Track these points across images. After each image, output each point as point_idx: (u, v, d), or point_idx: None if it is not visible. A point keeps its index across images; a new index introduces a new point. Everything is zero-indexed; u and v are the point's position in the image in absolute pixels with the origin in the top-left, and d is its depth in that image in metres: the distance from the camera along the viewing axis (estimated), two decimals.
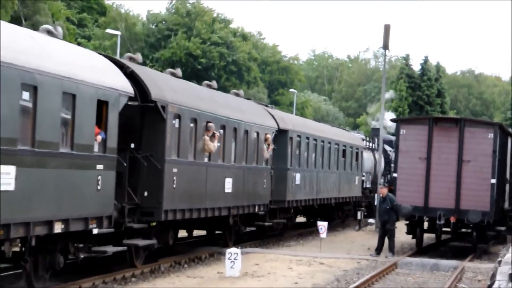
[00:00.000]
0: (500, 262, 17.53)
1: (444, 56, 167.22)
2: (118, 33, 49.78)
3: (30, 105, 12.53)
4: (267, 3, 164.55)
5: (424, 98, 78.12)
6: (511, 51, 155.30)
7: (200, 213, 19.39)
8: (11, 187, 12.01)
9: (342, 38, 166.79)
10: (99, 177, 14.61)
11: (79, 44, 50.95)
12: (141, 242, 16.93)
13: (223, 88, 53.76)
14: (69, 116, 13.67)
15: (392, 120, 29.42)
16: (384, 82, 36.52)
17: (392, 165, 31.27)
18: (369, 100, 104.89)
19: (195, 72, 69.46)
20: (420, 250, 25.49)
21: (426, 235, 26.68)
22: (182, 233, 22.46)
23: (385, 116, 36.29)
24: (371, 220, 34.24)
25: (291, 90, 77.75)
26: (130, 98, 15.79)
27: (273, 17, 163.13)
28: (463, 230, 25.86)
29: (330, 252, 23.94)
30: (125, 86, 15.62)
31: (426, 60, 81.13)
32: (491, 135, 24.32)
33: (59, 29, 14.84)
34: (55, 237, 13.77)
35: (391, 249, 23.67)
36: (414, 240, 26.19)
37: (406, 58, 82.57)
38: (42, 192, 12.91)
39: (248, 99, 26.25)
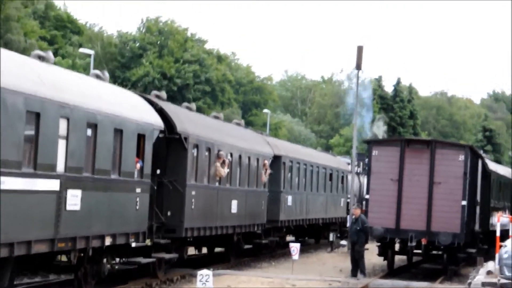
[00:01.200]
0: (470, 284, 17.65)
1: (417, 78, 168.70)
2: (91, 52, 49.60)
3: (91, 139, 15.33)
4: (241, 24, 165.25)
5: (397, 119, 78.76)
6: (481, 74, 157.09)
7: (212, 231, 22.17)
8: (77, 207, 14.73)
9: (316, 59, 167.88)
10: (138, 199, 17.27)
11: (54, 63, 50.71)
12: (167, 256, 19.46)
13: (198, 109, 53.71)
14: (117, 148, 16.36)
15: (364, 141, 29.60)
16: (356, 102, 36.74)
17: None
18: (342, 124, 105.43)
19: (170, 93, 69.39)
20: (392, 272, 25.54)
21: (397, 257, 26.76)
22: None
23: (379, 128, 36.77)
24: (343, 242, 34.32)
25: (264, 110, 77.94)
26: (160, 131, 18.56)
27: (247, 37, 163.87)
28: (434, 252, 25.97)
29: (302, 274, 23.89)
30: (158, 121, 18.48)
31: (398, 82, 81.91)
32: (462, 157, 24.50)
33: (106, 73, 17.73)
34: (99, 250, 16.10)
35: (362, 271, 23.69)
36: (385, 262, 26.25)
37: (379, 80, 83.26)
38: (98, 212, 15.55)
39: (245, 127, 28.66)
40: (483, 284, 16.45)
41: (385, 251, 25.58)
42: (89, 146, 15.25)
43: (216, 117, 25.33)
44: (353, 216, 24.40)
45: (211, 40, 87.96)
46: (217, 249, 26.56)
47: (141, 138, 17.43)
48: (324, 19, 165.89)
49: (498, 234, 22.19)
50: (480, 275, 18.90)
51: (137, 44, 73.24)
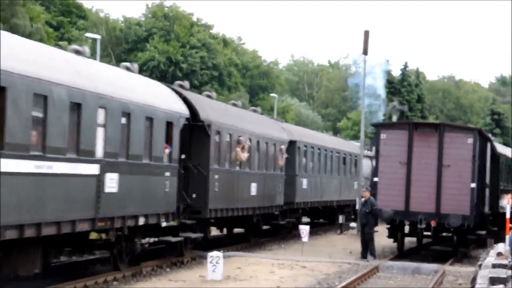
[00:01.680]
0: (480, 265, 17.66)
1: (425, 63, 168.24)
2: (98, 37, 49.57)
3: (125, 127, 16.73)
4: (247, 8, 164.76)
5: (404, 103, 78.49)
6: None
7: (234, 212, 23.49)
8: (115, 189, 16.17)
9: (323, 44, 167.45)
10: (167, 182, 18.75)
11: (59, 46, 50.74)
12: (193, 235, 20.85)
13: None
14: (148, 135, 17.75)
15: (373, 125, 29.61)
16: (363, 87, 36.69)
17: None
18: (349, 107, 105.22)
19: (176, 79, 69.37)
20: (402, 254, 25.61)
21: (407, 239, 26.82)
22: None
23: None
24: (352, 224, 34.42)
25: (272, 94, 77.89)
26: (186, 119, 19.86)
27: (253, 22, 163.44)
28: (444, 234, 26.01)
29: (312, 256, 23.99)
30: (184, 109, 19.91)
31: (406, 66, 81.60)
32: (470, 140, 24.49)
33: (135, 65, 19.30)
34: (133, 229, 17.51)
35: (372, 252, 23.77)
36: (395, 244, 26.32)
37: (386, 64, 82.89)
38: (132, 194, 17.00)
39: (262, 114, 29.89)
40: (494, 265, 16.43)
41: (395, 233, 25.65)
42: (124, 133, 16.71)
43: (235, 105, 26.37)
44: (363, 199, 24.48)
45: (217, 25, 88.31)
46: (237, 230, 27.64)
47: (169, 125, 18.89)
48: (331, 3, 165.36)
49: (508, 216, 22.20)
50: (490, 257, 18.90)
51: (141, 29, 73.07)
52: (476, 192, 24.67)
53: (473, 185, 24.32)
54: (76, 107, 14.80)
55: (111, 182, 16.06)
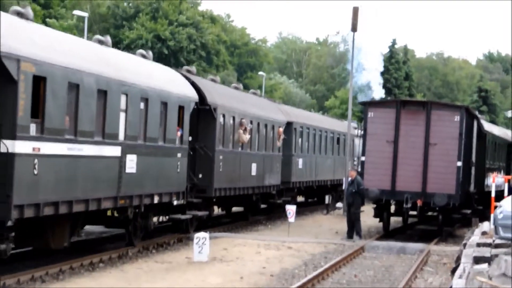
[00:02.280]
0: (465, 245, 17.75)
1: (413, 40, 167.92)
2: (86, 14, 49.21)
3: (143, 112, 17.98)
4: None
5: (392, 81, 78.51)
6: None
7: (236, 191, 24.55)
8: (134, 170, 17.43)
9: (311, 21, 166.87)
10: (178, 163, 19.98)
11: (47, 24, 50.22)
12: (199, 213, 21.97)
13: None
14: (163, 118, 18.94)
15: (360, 103, 29.58)
16: (352, 64, 36.58)
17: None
18: (339, 82, 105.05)
19: (162, 56, 68.90)
20: (387, 234, 25.68)
21: (393, 219, 26.89)
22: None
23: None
24: (338, 204, 34.49)
25: (260, 73, 77.67)
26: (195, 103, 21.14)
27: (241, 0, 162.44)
28: (430, 213, 26.09)
29: (298, 236, 24.03)
30: (193, 94, 21.15)
31: (394, 43, 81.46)
32: (457, 118, 24.49)
33: (150, 53, 20.51)
34: (147, 207, 18.74)
35: (358, 232, 23.83)
36: (381, 224, 26.38)
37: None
38: (148, 174, 18.26)
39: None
40: (478, 244, 16.52)
41: (381, 212, 25.69)
42: (142, 117, 17.99)
43: (236, 88, 27.36)
44: (349, 178, 24.47)
45: (204, 1, 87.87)
46: (235, 209, 29.07)
47: (181, 109, 20.08)
48: None
49: (493, 194, 22.32)
50: (475, 236, 19.01)
51: (128, 6, 72.34)
52: (462, 171, 24.70)
53: (459, 163, 24.35)
54: (103, 94, 16.07)
55: (131, 163, 17.41)
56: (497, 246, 16.08)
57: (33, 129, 13.78)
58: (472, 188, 28.10)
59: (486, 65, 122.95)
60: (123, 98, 16.92)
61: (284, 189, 30.08)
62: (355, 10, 34.02)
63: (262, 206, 28.90)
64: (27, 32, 14.12)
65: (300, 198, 37.04)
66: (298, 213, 27.91)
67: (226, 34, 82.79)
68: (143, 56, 19.90)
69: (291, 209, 24.35)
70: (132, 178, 17.38)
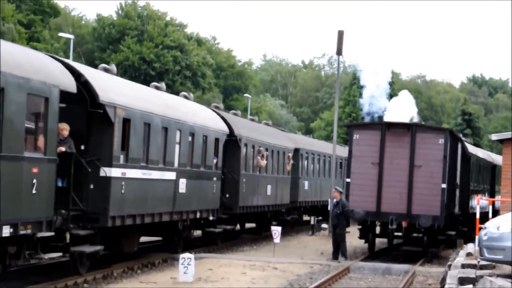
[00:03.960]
0: (450, 266, 17.82)
1: (396, 63, 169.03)
2: (71, 36, 49.30)
3: (191, 144, 21.84)
4: (220, 7, 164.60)
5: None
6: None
7: (255, 209, 28.35)
8: (184, 190, 21.24)
9: (295, 44, 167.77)
10: (214, 185, 23.91)
11: (33, 47, 50.20)
12: (227, 227, 26.13)
13: (177, 93, 53.39)
14: (204, 149, 22.82)
15: (345, 126, 29.74)
16: (337, 87, 36.82)
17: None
18: (322, 106, 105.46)
19: (148, 77, 69.01)
20: (373, 255, 25.73)
21: (378, 240, 26.95)
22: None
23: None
24: (324, 225, 34.54)
25: (245, 95, 77.89)
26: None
27: (227, 21, 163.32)
28: (415, 234, 26.16)
29: (283, 257, 24.01)
30: (225, 128, 25.06)
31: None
32: (441, 141, 24.65)
33: (191, 95, 24.82)
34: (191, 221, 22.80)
35: (343, 253, 23.85)
36: (366, 245, 26.43)
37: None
38: (194, 194, 21.93)
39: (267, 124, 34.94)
40: (463, 265, 16.60)
41: (366, 234, 25.75)
42: (190, 148, 21.78)
43: (252, 119, 32.14)
44: (334, 200, 24.54)
45: (191, 24, 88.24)
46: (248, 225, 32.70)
47: (216, 141, 24.02)
48: (304, 3, 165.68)
49: (477, 216, 22.40)
50: (460, 257, 19.09)
51: (114, 29, 72.32)
52: (447, 193, 24.84)
53: (444, 185, 24.49)
54: (165, 130, 19.92)
55: (182, 185, 21.18)
56: (482, 267, 16.17)
57: (122, 158, 17.65)
58: (456, 209, 28.25)
59: (471, 88, 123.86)
60: (178, 133, 20.83)
61: (292, 208, 33.94)
62: (340, 34, 34.28)
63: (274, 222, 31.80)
64: (117, 85, 18.41)
65: (306, 217, 39.65)
66: (284, 233, 27.93)
67: (212, 56, 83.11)
68: (185, 97, 23.98)
69: (276, 229, 24.37)
70: (182, 197, 21.18)
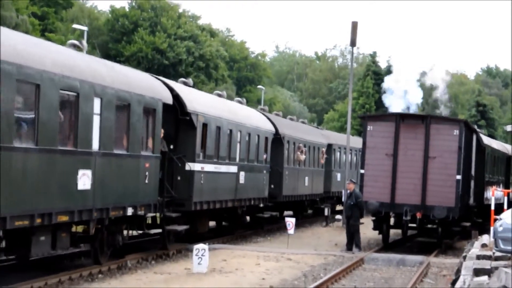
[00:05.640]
0: (465, 257, 17.76)
1: (411, 54, 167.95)
2: (85, 28, 49.29)
3: (248, 142, 25.87)
4: (232, 0, 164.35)
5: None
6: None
7: (296, 198, 32.27)
8: (243, 181, 25.16)
9: (310, 36, 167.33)
10: (264, 177, 27.76)
11: (47, 38, 50.33)
12: (273, 213, 30.17)
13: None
14: (257, 146, 26.69)
15: (359, 117, 29.73)
16: (351, 79, 36.68)
17: None
18: (336, 96, 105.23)
19: (162, 68, 69.01)
20: (387, 246, 25.68)
21: (392, 231, 26.89)
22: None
23: None
24: (338, 216, 34.50)
25: (259, 86, 77.80)
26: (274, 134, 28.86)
27: (241, 13, 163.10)
28: (429, 225, 26.09)
29: (297, 248, 24.02)
30: (272, 128, 28.85)
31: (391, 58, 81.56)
32: (456, 132, 24.53)
33: (244, 100, 28.98)
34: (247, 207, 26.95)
35: (357, 244, 23.82)
36: (380, 236, 26.38)
37: (373, 56, 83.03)
38: (250, 185, 25.96)
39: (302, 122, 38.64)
40: (478, 257, 16.54)
41: (380, 225, 25.69)
42: (247, 146, 25.54)
43: (292, 119, 35.53)
44: (348, 191, 24.50)
45: (204, 16, 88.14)
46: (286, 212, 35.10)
47: (266, 139, 27.84)
48: None
49: (492, 207, 22.31)
50: (474, 248, 19.02)
51: (127, 21, 72.26)
52: (462, 184, 24.73)
53: (459, 177, 24.38)
54: (230, 132, 23.79)
55: (242, 177, 25.00)
56: (497, 258, 16.10)
57: (201, 155, 21.50)
58: (471, 201, 28.13)
59: (485, 80, 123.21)
60: (238, 134, 24.67)
61: (325, 197, 37.51)
62: (354, 25, 34.09)
63: (309, 211, 36.96)
64: (197, 96, 22.67)
65: (339, 207, 40.79)
66: (297, 225, 27.93)
67: (225, 48, 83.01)
68: (240, 102, 28.11)
69: (290, 221, 24.37)
70: (242, 187, 25.04)
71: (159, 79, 20.20)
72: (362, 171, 25.06)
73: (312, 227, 33.69)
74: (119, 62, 58.44)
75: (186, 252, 21.07)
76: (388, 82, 37.45)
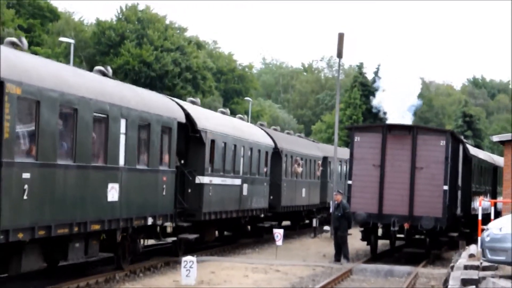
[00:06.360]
0: (452, 267, 17.80)
1: (398, 65, 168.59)
2: (72, 41, 49.24)
3: (250, 156, 27.45)
4: (220, 10, 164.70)
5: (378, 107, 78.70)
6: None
7: (293, 209, 33.63)
8: (246, 193, 26.82)
9: (296, 47, 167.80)
10: (265, 189, 29.51)
11: (34, 52, 50.21)
12: (272, 222, 31.58)
13: (178, 96, 53.41)
14: (258, 160, 28.38)
15: (346, 128, 29.79)
16: (338, 90, 36.80)
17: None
18: (322, 108, 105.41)
19: (149, 80, 68.95)
20: (375, 257, 25.71)
21: (380, 242, 26.93)
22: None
23: None
24: (326, 227, 34.53)
25: (246, 98, 77.86)
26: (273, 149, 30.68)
27: (228, 25, 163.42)
28: (417, 236, 26.15)
29: (286, 259, 24.00)
30: (272, 143, 30.61)
31: (379, 69, 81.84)
32: (443, 142, 24.64)
33: (245, 117, 31.42)
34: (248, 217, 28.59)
35: (346, 255, 23.83)
36: (368, 247, 26.41)
37: (360, 67, 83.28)
38: (252, 195, 27.57)
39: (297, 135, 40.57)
40: (466, 267, 16.59)
41: (368, 236, 25.73)
42: (249, 160, 27.30)
43: (289, 133, 37.46)
44: (335, 202, 24.52)
45: (191, 27, 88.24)
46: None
47: (266, 154, 29.57)
48: (304, 7, 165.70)
49: (480, 217, 22.38)
50: (462, 259, 19.07)
51: (113, 34, 72.15)
52: (449, 194, 24.82)
53: (446, 187, 24.48)
54: (234, 147, 25.62)
55: (245, 189, 26.62)
56: (484, 268, 16.15)
57: (209, 169, 23.13)
58: (458, 211, 28.22)
59: (472, 90, 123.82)
60: (242, 149, 26.34)
61: (321, 208, 38.68)
62: (341, 37, 34.24)
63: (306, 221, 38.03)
64: (205, 114, 24.37)
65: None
66: (286, 236, 27.92)
67: (212, 60, 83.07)
68: (241, 119, 30.00)
69: (278, 232, 24.37)
70: (245, 198, 26.66)
71: (173, 100, 21.86)
72: (349, 182, 25.11)
73: (301, 238, 33.69)
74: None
75: (174, 265, 21.02)
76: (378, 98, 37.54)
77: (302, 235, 35.18)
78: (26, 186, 13.56)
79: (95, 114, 16.21)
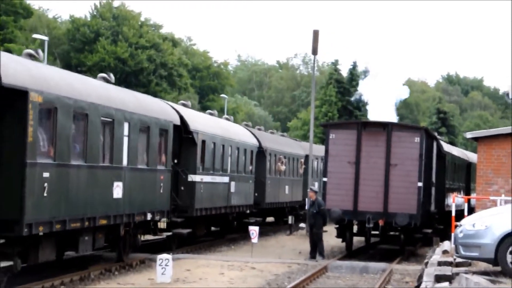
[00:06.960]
0: (426, 263, 17.95)
1: (373, 62, 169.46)
2: (46, 38, 48.86)
3: (238, 155, 28.96)
4: (195, 8, 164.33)
5: (353, 103, 79.10)
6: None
7: (277, 205, 35.21)
8: (233, 190, 28.10)
9: (271, 44, 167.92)
10: (250, 186, 30.86)
11: (7, 49, 49.73)
12: (257, 219, 32.85)
13: (153, 93, 53.14)
14: (244, 158, 29.75)
15: (321, 125, 29.89)
16: (313, 87, 36.90)
17: None
18: (299, 104, 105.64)
19: (124, 77, 68.59)
20: (350, 253, 25.82)
21: (355, 238, 27.05)
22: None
23: None
24: (301, 225, 34.63)
25: (222, 95, 77.73)
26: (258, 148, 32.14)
27: (203, 22, 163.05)
28: (392, 233, 26.30)
29: (261, 256, 24.04)
30: (256, 142, 32.01)
31: (354, 66, 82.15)
32: (417, 139, 24.79)
33: (232, 118, 32.20)
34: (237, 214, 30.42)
35: (321, 252, 23.92)
36: (344, 244, 26.52)
37: (335, 64, 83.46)
38: (240, 192, 29.17)
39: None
40: (439, 263, 16.73)
41: (343, 233, 25.84)
42: (236, 159, 28.74)
43: (272, 133, 39.14)
44: (310, 199, 24.59)
45: (166, 25, 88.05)
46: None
47: (251, 152, 31.03)
48: (279, 4, 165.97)
49: (453, 214, 22.56)
50: (436, 255, 19.23)
51: (88, 31, 71.65)
52: (423, 191, 24.98)
53: (420, 184, 24.63)
54: (222, 147, 27.03)
55: (232, 186, 27.89)
56: (458, 264, 16.30)
57: (201, 168, 24.59)
58: (432, 208, 28.43)
59: (446, 87, 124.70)
60: (229, 148, 27.78)
61: (304, 205, 37.82)
62: (315, 34, 34.32)
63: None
64: (196, 116, 25.93)
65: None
66: (261, 233, 27.96)
67: (187, 57, 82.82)
68: (227, 119, 31.01)
69: (254, 229, 24.39)
70: (232, 195, 28.01)
71: (167, 104, 23.63)
72: (324, 179, 25.18)
73: (276, 236, 33.76)
74: (81, 72, 57.99)
75: (149, 263, 20.97)
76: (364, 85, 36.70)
77: (278, 232, 35.25)
78: (46, 184, 15.16)
79: (102, 118, 17.84)
